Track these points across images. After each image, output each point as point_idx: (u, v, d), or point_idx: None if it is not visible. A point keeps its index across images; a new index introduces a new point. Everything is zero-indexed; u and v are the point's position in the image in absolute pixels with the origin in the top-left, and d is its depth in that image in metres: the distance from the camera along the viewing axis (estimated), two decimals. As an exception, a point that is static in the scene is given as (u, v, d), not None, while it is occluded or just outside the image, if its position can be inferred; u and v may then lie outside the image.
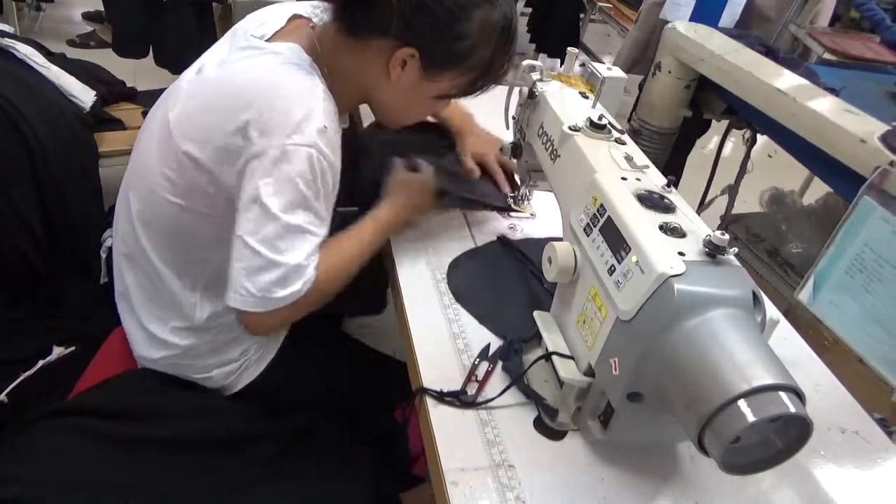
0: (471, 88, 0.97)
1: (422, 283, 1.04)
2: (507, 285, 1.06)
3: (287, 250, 0.83)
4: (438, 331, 0.95)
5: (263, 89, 0.85)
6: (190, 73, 0.97)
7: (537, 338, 0.91)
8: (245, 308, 0.84)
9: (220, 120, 0.85)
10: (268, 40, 0.92)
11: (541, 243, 0.91)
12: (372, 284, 1.41)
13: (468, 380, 0.88)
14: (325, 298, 0.92)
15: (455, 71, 0.93)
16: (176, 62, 2.61)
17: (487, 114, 1.38)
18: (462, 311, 1.00)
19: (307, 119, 0.83)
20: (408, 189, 1.09)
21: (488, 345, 0.93)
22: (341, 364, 1.21)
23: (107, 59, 2.32)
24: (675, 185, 0.81)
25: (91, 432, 0.93)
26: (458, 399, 0.85)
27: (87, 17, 3.70)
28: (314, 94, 0.86)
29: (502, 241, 1.16)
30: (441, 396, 0.84)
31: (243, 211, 0.84)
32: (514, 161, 1.21)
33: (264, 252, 0.82)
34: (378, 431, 1.16)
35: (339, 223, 1.00)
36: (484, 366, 0.90)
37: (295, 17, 0.97)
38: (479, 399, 0.85)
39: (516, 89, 1.11)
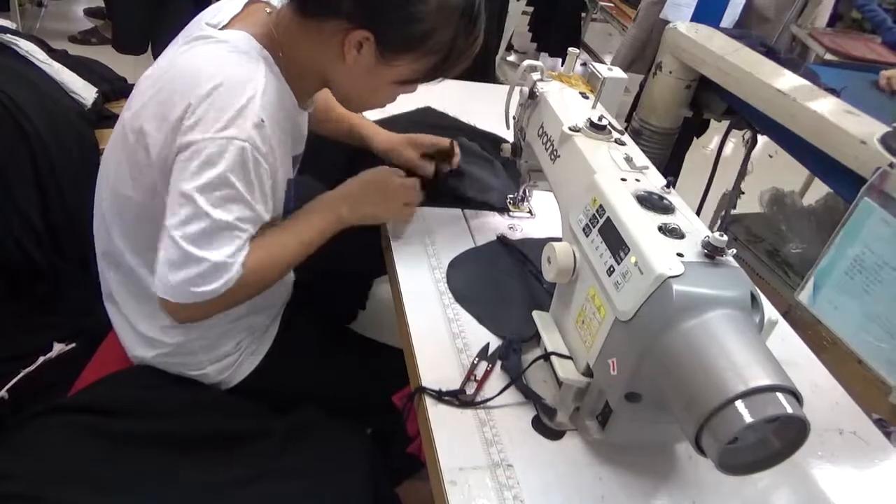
0: (432, 74, 0.94)
1: (421, 283, 1.04)
2: (506, 285, 1.07)
3: (211, 247, 0.82)
4: (438, 331, 0.96)
5: (202, 79, 0.83)
6: (149, 69, 0.95)
7: (536, 338, 0.92)
8: (166, 297, 0.83)
9: (162, 111, 0.84)
10: (223, 27, 0.90)
11: (540, 243, 0.91)
12: (359, 277, 1.42)
13: (467, 379, 0.88)
14: (255, 293, 0.91)
15: (413, 55, 0.90)
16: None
17: (487, 114, 1.38)
18: (461, 311, 1.00)
19: (242, 112, 0.82)
20: (363, 177, 1.05)
21: (487, 344, 0.94)
22: (338, 352, 1.21)
23: (108, 56, 2.32)
24: (674, 186, 0.81)
25: (90, 429, 0.93)
26: (456, 398, 0.85)
27: (89, 13, 3.70)
28: (255, 85, 0.84)
29: (502, 240, 1.16)
30: (440, 396, 0.85)
31: (172, 203, 0.82)
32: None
33: (186, 247, 0.81)
34: (376, 420, 1.16)
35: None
36: (483, 365, 0.90)
37: (251, 2, 0.95)
38: (478, 398, 0.86)
39: (517, 89, 1.11)
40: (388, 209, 1.07)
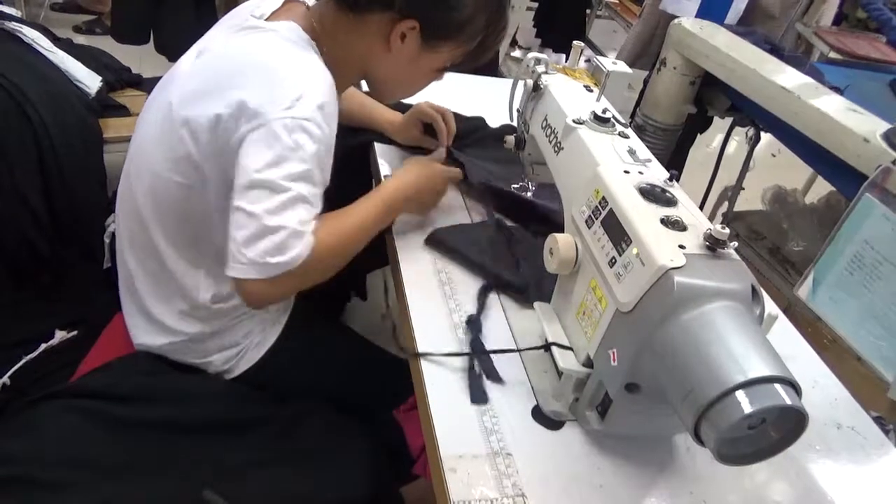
0: (467, 60, 1.00)
1: (422, 271, 1.04)
2: (489, 241, 1.10)
3: (285, 217, 0.83)
4: (438, 318, 0.95)
5: (261, 65, 0.87)
6: (189, 56, 0.97)
7: (526, 292, 0.96)
8: (246, 276, 0.83)
9: (218, 97, 0.86)
10: (266, 20, 0.94)
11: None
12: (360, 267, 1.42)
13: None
14: (326, 269, 0.92)
15: (454, 41, 0.96)
16: (175, 49, 2.61)
17: (491, 106, 1.38)
18: (459, 290, 1.00)
19: (306, 95, 0.84)
20: (419, 171, 1.08)
21: (471, 316, 0.96)
22: (342, 353, 1.21)
23: (112, 46, 2.32)
24: (677, 180, 0.81)
25: (92, 414, 0.94)
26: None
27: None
28: (313, 70, 0.88)
29: (499, 223, 1.15)
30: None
31: (242, 183, 0.83)
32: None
33: (264, 219, 0.82)
34: (377, 429, 1.16)
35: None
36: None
37: None
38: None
39: (521, 82, 1.11)
40: (434, 200, 1.12)
